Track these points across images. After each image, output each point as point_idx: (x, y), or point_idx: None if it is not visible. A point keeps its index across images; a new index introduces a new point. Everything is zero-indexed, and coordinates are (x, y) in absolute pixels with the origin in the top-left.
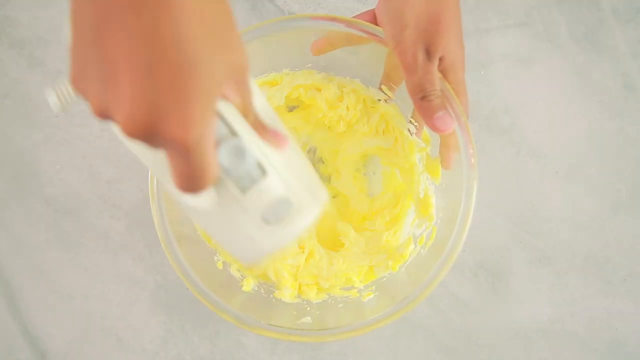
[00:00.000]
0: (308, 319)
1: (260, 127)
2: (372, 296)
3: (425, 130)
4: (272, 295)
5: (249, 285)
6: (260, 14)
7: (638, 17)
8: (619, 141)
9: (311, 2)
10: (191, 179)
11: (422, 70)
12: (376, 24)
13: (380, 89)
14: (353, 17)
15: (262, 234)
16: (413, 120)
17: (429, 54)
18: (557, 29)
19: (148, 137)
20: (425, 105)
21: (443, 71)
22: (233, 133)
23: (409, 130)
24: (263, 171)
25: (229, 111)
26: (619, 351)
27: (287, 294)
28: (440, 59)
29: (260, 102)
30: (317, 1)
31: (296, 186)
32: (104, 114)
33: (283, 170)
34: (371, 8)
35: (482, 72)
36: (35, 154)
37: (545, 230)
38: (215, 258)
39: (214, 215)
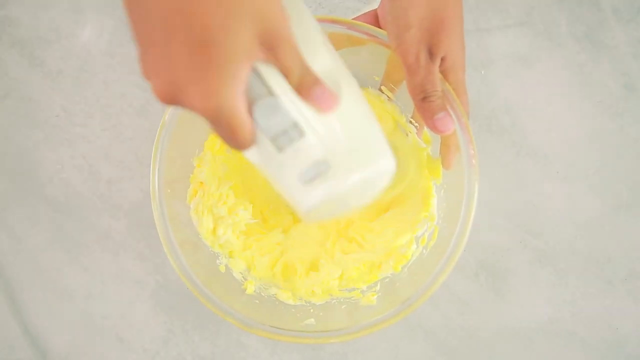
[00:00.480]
0: (311, 321)
1: (303, 89)
2: (375, 297)
3: (426, 130)
4: (274, 297)
5: (251, 287)
6: None
7: (638, 16)
8: (619, 141)
9: (312, 2)
10: (227, 139)
11: (424, 71)
12: (378, 25)
13: (380, 89)
14: (354, 18)
15: (299, 192)
16: (413, 121)
17: (431, 54)
18: (558, 29)
19: (175, 105)
20: (426, 106)
21: (444, 71)
22: (270, 93)
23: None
24: (301, 132)
25: (268, 72)
26: (619, 351)
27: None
28: (442, 60)
29: (322, 59)
30: (317, 1)
31: (338, 147)
32: (147, 80)
33: (323, 132)
34: (372, 8)
35: (482, 72)
36: (36, 154)
37: (546, 230)
38: (218, 261)
39: (264, 168)
